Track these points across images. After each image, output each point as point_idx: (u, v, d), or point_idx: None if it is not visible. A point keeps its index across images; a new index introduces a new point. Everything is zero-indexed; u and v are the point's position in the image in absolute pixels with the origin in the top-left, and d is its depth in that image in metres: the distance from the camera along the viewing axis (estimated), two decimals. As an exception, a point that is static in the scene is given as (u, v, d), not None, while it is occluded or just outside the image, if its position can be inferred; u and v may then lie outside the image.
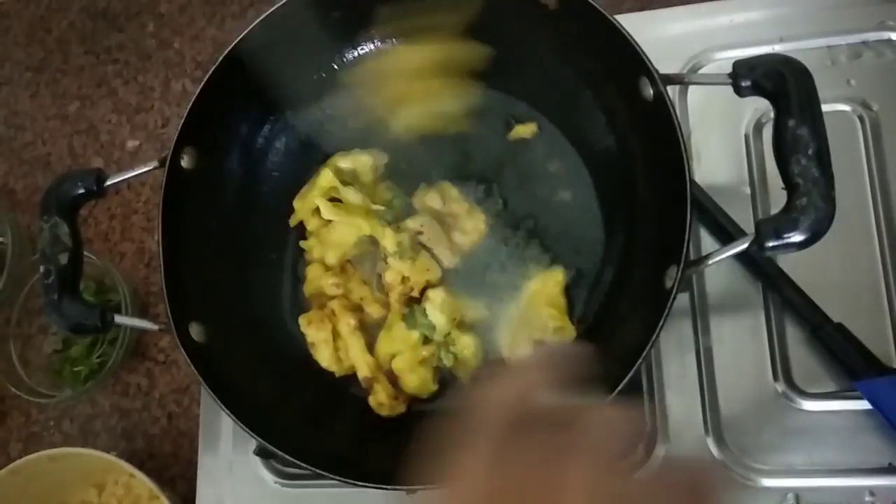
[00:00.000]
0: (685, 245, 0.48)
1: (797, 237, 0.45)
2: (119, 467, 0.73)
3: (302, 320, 0.64)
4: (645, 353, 0.50)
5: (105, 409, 0.84)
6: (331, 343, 0.62)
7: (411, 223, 0.63)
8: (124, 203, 0.90)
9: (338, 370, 0.63)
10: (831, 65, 0.67)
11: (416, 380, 0.61)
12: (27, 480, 0.75)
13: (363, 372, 0.62)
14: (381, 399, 0.61)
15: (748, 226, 0.63)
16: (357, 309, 0.64)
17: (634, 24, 0.55)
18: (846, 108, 0.66)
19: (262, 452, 0.68)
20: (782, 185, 0.47)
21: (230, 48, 0.62)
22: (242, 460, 0.70)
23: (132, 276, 0.87)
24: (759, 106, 0.67)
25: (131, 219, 0.90)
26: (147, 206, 0.90)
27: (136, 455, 0.81)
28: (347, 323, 0.62)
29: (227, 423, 0.71)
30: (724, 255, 0.49)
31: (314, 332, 0.63)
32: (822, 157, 0.45)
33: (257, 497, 0.68)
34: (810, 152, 0.45)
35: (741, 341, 0.63)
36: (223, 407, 0.54)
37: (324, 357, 0.63)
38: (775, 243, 0.46)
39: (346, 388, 0.63)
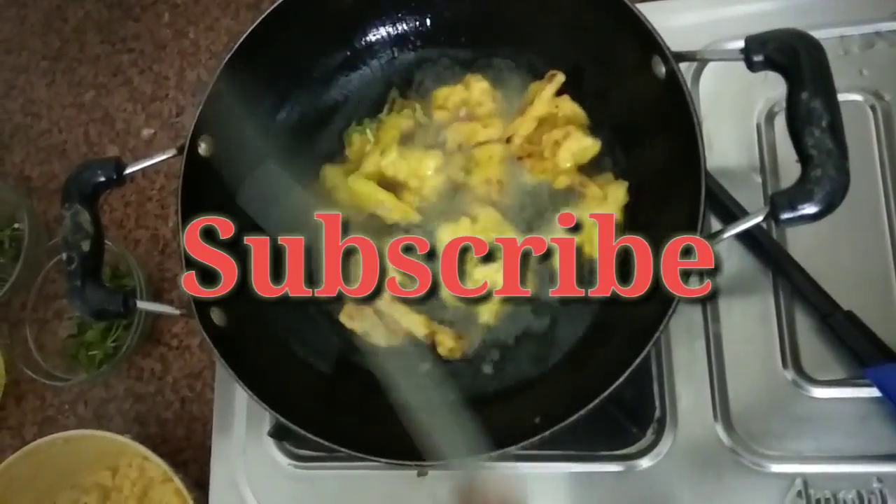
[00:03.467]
0: (700, 218, 0.49)
1: (812, 208, 0.45)
2: (133, 450, 0.74)
3: (343, 318, 0.64)
4: (655, 336, 0.50)
5: (119, 393, 0.85)
6: (379, 324, 0.63)
7: (448, 146, 0.66)
8: (139, 191, 0.91)
9: (400, 342, 0.63)
10: (844, 55, 0.67)
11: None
12: (42, 462, 0.76)
13: (421, 331, 0.62)
14: (448, 345, 0.62)
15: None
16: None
17: (647, 14, 0.55)
18: (858, 97, 0.66)
19: (275, 434, 0.68)
20: (795, 159, 0.46)
21: (246, 35, 0.62)
22: (255, 443, 0.71)
23: (147, 262, 0.88)
24: (770, 95, 0.68)
25: (146, 206, 0.91)
26: (161, 194, 0.91)
27: (149, 439, 0.82)
28: (383, 299, 0.63)
29: (240, 406, 0.72)
30: (739, 229, 0.49)
31: (360, 323, 0.63)
32: (836, 129, 0.45)
33: (270, 478, 0.69)
34: (824, 124, 0.44)
35: (751, 328, 0.63)
36: (246, 389, 0.54)
37: (380, 338, 0.63)
38: (790, 215, 0.45)
39: (359, 365, 0.63)
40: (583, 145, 0.63)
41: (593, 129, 0.64)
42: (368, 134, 0.68)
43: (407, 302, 0.63)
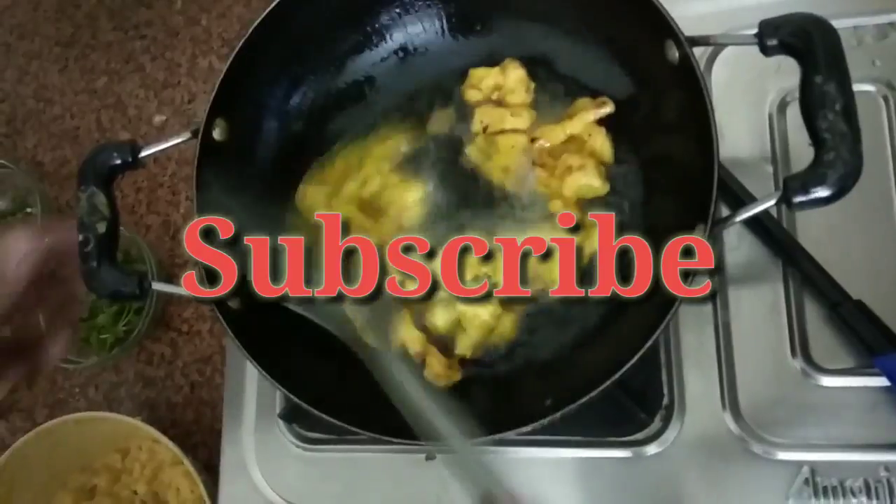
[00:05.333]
0: (712, 201, 0.49)
1: (825, 191, 0.45)
2: (143, 433, 0.75)
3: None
4: (667, 319, 0.50)
5: (129, 377, 0.86)
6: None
7: (473, 127, 0.65)
8: (150, 177, 0.92)
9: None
10: (857, 45, 0.67)
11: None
12: (53, 443, 0.77)
13: (414, 347, 0.61)
14: (436, 370, 0.61)
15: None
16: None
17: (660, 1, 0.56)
18: (871, 88, 0.66)
19: (286, 416, 0.69)
20: (809, 143, 0.46)
21: (259, 20, 0.62)
22: (265, 426, 0.71)
23: (158, 247, 0.89)
24: (783, 85, 0.67)
25: (157, 192, 0.92)
26: (172, 180, 0.92)
27: (158, 422, 0.83)
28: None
29: (251, 390, 0.73)
30: (751, 212, 0.49)
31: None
32: (850, 113, 0.44)
33: (280, 461, 0.70)
34: (837, 108, 0.44)
35: (760, 317, 0.63)
36: (257, 366, 0.54)
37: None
38: (803, 198, 0.45)
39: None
40: (591, 183, 0.62)
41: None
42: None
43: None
